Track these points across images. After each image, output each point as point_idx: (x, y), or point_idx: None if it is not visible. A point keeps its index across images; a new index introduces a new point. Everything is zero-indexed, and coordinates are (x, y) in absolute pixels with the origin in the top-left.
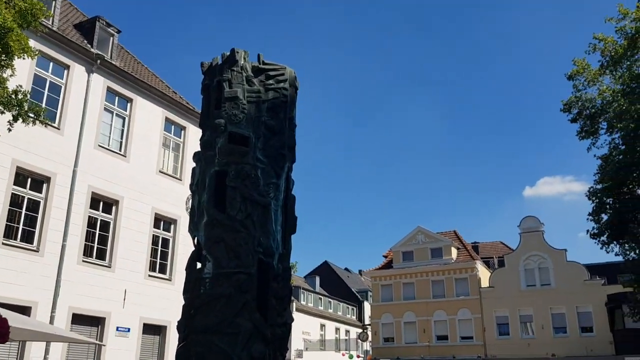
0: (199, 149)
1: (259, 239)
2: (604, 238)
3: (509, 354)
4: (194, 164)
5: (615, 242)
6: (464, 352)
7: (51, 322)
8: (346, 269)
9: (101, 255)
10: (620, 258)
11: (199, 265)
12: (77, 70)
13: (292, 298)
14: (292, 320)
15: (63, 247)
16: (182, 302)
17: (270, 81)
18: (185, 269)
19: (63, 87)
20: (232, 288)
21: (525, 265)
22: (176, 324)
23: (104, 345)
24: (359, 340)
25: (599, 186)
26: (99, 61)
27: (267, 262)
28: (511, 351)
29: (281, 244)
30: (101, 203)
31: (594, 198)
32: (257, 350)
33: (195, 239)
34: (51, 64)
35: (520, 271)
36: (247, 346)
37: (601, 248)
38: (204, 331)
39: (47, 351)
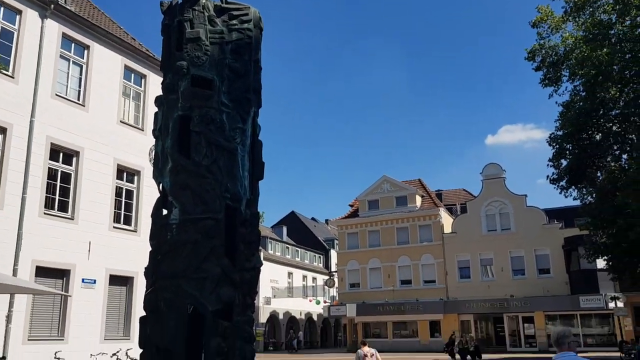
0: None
1: (226, 184)
2: (562, 183)
3: (469, 296)
4: (156, 111)
5: (573, 186)
6: (426, 295)
7: (14, 275)
8: (313, 218)
9: (63, 207)
10: (577, 202)
11: (164, 211)
12: (30, 16)
13: (260, 247)
14: (261, 264)
15: (23, 199)
16: (149, 253)
17: (234, 21)
18: (151, 216)
19: (15, 33)
20: (199, 234)
21: (487, 211)
22: (143, 271)
23: (70, 296)
24: (325, 287)
25: (559, 132)
26: (52, 6)
27: (235, 208)
28: (472, 293)
29: (249, 190)
30: (61, 154)
31: (554, 144)
32: (226, 294)
33: (160, 185)
34: (2, 9)
35: (482, 217)
36: (216, 290)
37: (560, 193)
38: (171, 277)
39: (11, 304)
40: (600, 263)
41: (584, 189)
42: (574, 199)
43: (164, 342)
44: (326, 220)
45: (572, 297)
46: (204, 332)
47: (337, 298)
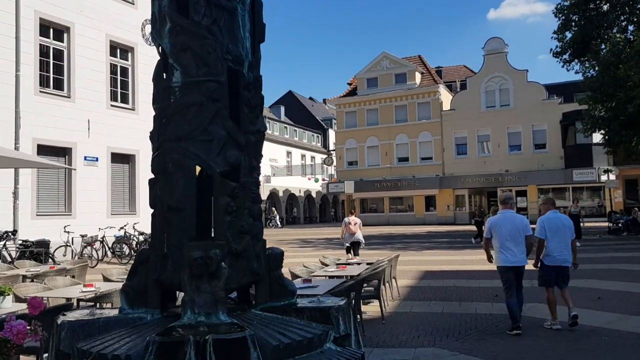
0: None
1: (227, 46)
2: (566, 56)
3: (465, 172)
4: None
5: (576, 60)
6: (423, 172)
7: None
8: (310, 98)
9: (59, 85)
10: (578, 77)
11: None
12: None
13: None
14: (265, 128)
15: (17, 77)
16: (152, 117)
17: None
18: (152, 80)
19: None
20: (203, 96)
21: (487, 87)
22: (148, 136)
23: (74, 170)
24: (324, 165)
25: (566, 3)
26: None
27: (237, 70)
28: (467, 169)
29: (250, 52)
30: (51, 30)
31: (560, 15)
32: (232, 156)
33: (160, 47)
34: None
35: (482, 93)
36: (222, 152)
37: (562, 66)
38: (177, 139)
39: (16, 181)
40: (596, 137)
41: (587, 62)
42: (576, 72)
43: (173, 201)
44: (324, 100)
45: (566, 171)
46: (212, 192)
47: (335, 176)
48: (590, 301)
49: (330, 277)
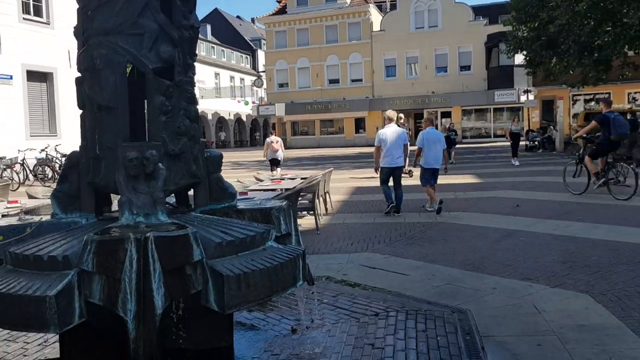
0: None
1: None
2: None
3: (394, 94)
4: None
5: None
6: (353, 94)
7: None
8: (238, 16)
9: None
10: None
11: None
12: None
13: None
14: (199, 25)
15: None
16: (65, 48)
17: None
18: None
19: None
20: None
21: (416, 8)
22: (73, 31)
23: None
24: (254, 87)
25: None
26: None
27: None
28: (396, 91)
29: None
30: None
31: None
32: (166, 52)
33: None
34: None
35: (411, 14)
36: (155, 47)
37: None
38: (105, 33)
39: None
40: (518, 59)
41: None
42: None
43: (104, 99)
44: (252, 19)
45: (488, 92)
46: (145, 91)
47: (265, 99)
48: (509, 208)
49: (266, 190)
